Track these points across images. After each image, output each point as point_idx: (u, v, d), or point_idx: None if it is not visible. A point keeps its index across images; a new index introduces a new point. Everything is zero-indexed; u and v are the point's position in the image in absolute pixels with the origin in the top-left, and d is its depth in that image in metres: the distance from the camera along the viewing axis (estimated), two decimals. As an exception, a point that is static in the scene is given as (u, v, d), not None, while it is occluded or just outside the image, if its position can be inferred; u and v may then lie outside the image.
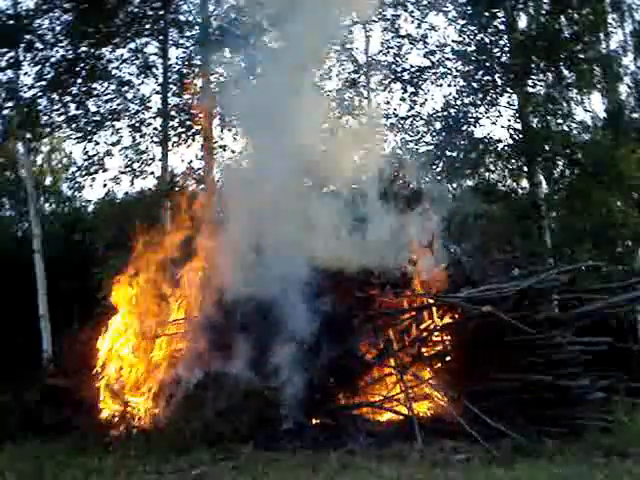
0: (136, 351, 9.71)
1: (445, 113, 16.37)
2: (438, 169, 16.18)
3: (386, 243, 9.09)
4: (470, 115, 16.09)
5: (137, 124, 15.73)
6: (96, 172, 15.62)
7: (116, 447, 7.87)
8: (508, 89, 15.95)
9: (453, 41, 16.49)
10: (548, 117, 15.69)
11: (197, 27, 15.77)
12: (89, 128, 15.35)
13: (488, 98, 16.03)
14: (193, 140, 15.88)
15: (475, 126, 16.02)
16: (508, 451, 7.01)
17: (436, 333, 8.90)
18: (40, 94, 14.89)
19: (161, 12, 15.58)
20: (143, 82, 15.84)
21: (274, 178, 9.11)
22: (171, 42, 16.02)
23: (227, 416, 7.83)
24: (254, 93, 10.18)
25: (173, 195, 14.19)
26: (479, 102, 16.09)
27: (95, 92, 15.39)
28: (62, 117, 15.17)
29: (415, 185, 11.47)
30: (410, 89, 17.03)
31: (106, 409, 9.09)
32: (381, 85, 17.53)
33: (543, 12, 15.89)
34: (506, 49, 16.01)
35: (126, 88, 15.70)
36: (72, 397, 9.04)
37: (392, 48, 17.38)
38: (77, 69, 14.99)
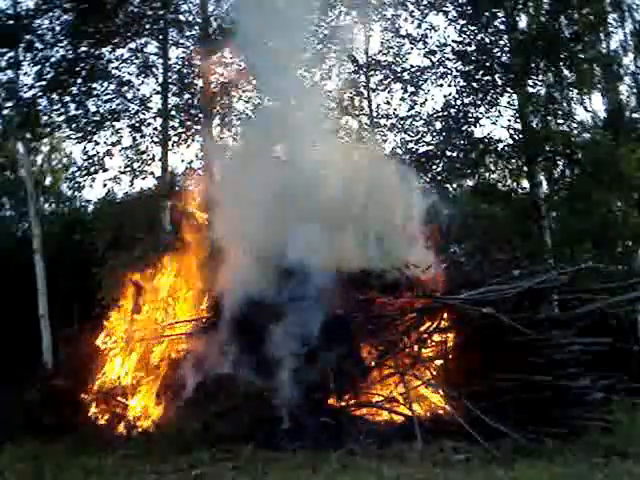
0: (136, 352, 9.71)
1: (445, 113, 16.38)
2: (438, 169, 16.21)
3: (387, 245, 9.11)
4: (470, 115, 16.10)
5: (137, 124, 15.75)
6: (96, 172, 15.65)
7: (116, 447, 7.87)
8: (508, 89, 15.95)
9: (453, 41, 16.51)
10: (548, 117, 15.69)
11: (197, 27, 15.80)
12: (89, 128, 15.38)
13: (488, 98, 16.03)
14: (193, 140, 15.91)
15: (475, 126, 16.04)
16: (508, 451, 7.01)
17: (436, 334, 8.90)
18: (40, 94, 14.92)
19: (161, 12, 15.59)
20: (143, 82, 15.89)
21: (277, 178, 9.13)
22: (171, 42, 16.04)
23: (227, 416, 7.82)
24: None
25: (173, 195, 14.23)
26: (479, 102, 16.10)
27: (95, 92, 15.43)
28: (62, 117, 15.23)
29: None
30: (410, 89, 17.03)
31: (105, 410, 9.08)
32: (381, 85, 17.53)
33: (543, 12, 15.89)
34: (506, 49, 16.01)
35: (126, 88, 15.73)
36: (72, 397, 9.04)
37: (392, 48, 17.39)
38: (77, 69, 15.02)
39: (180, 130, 15.89)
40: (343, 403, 8.58)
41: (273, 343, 8.44)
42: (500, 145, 16.05)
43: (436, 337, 8.91)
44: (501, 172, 16.90)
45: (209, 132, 15.45)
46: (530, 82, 15.76)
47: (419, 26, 17.04)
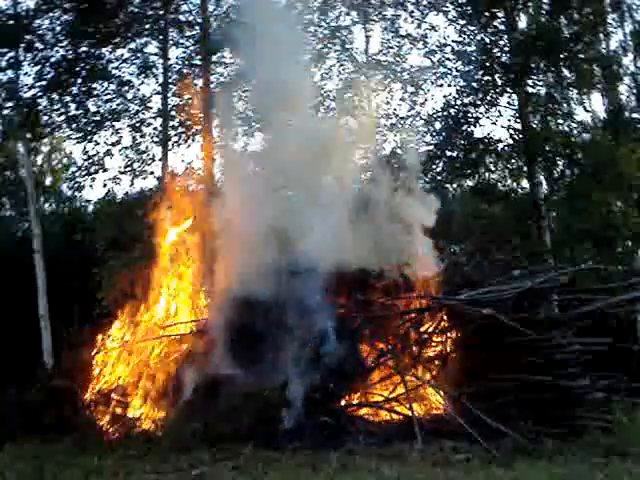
0: (136, 352, 9.71)
1: (445, 113, 16.38)
2: (438, 169, 16.21)
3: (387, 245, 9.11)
4: (470, 115, 16.10)
5: (137, 124, 15.75)
6: (96, 172, 15.65)
7: (116, 447, 7.87)
8: (508, 89, 15.95)
9: (453, 41, 16.52)
10: (548, 117, 15.70)
11: (197, 27, 15.80)
12: (89, 128, 15.39)
13: (488, 98, 16.03)
14: (193, 140, 15.91)
15: (475, 126, 16.05)
16: (508, 451, 7.01)
17: (436, 334, 8.89)
18: (40, 94, 14.93)
19: (161, 12, 15.60)
20: (143, 82, 15.90)
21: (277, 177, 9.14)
22: (171, 42, 16.04)
23: (227, 416, 7.82)
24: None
25: (173, 195, 14.21)
26: (479, 102, 16.10)
27: (95, 92, 15.44)
28: (62, 117, 15.24)
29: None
30: (410, 89, 17.04)
31: (105, 410, 9.08)
32: (381, 85, 17.52)
33: (543, 12, 15.90)
34: (506, 49, 16.01)
35: (126, 88, 15.74)
36: (72, 397, 9.04)
37: (392, 48, 17.40)
38: (77, 69, 15.04)
39: (180, 130, 15.90)
40: (343, 403, 8.58)
41: (273, 343, 8.45)
42: (500, 145, 16.07)
43: (436, 337, 8.91)
44: (501, 172, 16.90)
45: (209, 132, 15.44)
46: (530, 82, 15.77)
47: (419, 26, 17.08)
